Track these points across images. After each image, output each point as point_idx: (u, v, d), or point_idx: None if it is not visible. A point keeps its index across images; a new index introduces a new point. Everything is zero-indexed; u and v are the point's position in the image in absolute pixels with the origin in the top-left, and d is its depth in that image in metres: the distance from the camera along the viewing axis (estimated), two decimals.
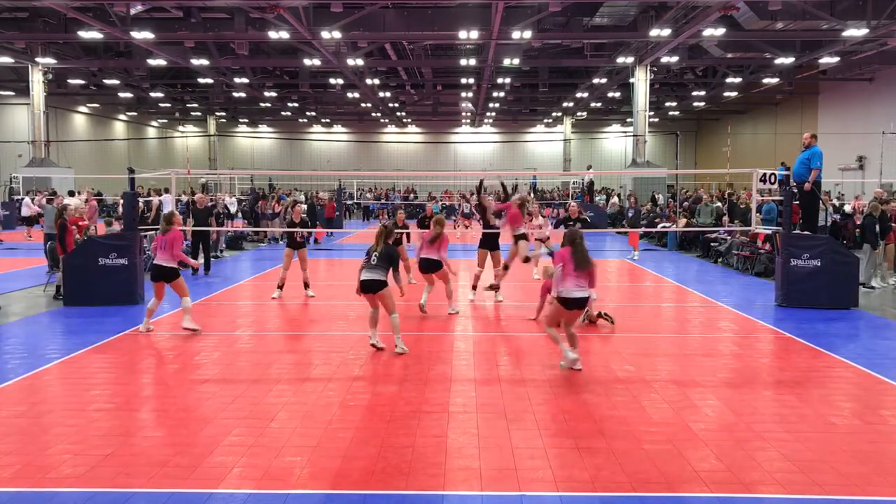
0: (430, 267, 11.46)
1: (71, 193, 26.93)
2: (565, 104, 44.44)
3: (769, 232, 15.70)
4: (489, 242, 12.58)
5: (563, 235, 8.37)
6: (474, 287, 12.76)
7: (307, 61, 28.17)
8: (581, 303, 8.16)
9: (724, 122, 42.99)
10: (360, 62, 28.37)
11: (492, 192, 14.87)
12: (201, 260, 16.41)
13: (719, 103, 43.58)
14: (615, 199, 35.69)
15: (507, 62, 28.19)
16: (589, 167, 38.87)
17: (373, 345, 9.00)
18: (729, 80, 34.35)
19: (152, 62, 28.90)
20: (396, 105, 46.34)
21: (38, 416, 6.59)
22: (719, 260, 18.41)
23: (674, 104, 44.16)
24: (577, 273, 7.96)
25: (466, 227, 28.76)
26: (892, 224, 14.78)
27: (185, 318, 10.12)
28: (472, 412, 6.72)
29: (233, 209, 24.76)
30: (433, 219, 11.99)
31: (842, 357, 8.78)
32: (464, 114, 49.11)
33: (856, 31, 21.92)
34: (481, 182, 13.48)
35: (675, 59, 27.69)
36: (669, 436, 6.12)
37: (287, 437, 6.06)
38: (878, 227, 14.19)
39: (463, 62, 29.45)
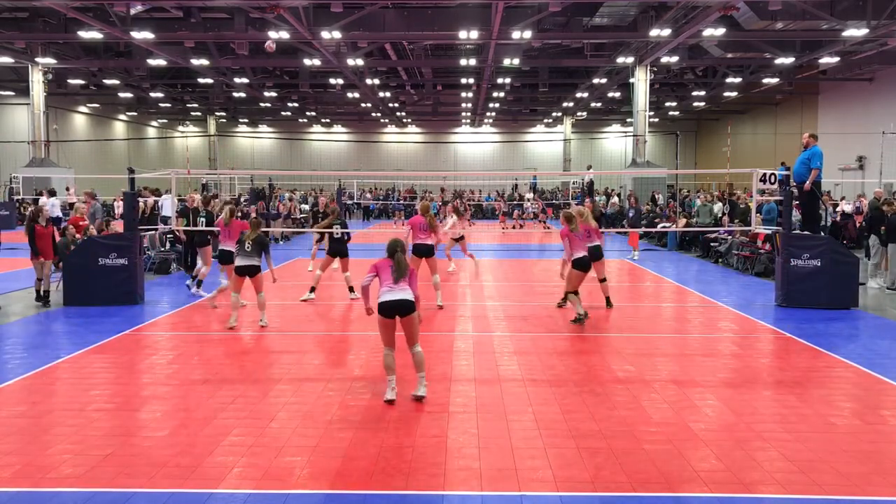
0: (423, 252, 11.90)
1: (52, 193, 26.85)
2: (565, 104, 44.42)
3: (769, 232, 15.70)
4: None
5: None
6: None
7: (307, 61, 28.15)
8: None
9: (724, 122, 42.98)
10: (360, 62, 28.35)
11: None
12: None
13: (719, 103, 43.55)
14: (615, 199, 35.69)
15: (507, 62, 28.17)
16: (589, 167, 38.86)
17: (232, 325, 10.19)
18: (729, 80, 34.33)
19: (152, 62, 28.87)
20: (396, 105, 46.32)
21: (38, 416, 6.59)
22: (719, 260, 18.42)
23: (674, 104, 44.13)
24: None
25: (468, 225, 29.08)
26: None
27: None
28: (472, 412, 6.72)
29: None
30: (422, 206, 12.53)
31: (842, 357, 8.78)
32: (463, 113, 49.09)
33: (856, 31, 21.90)
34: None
35: (675, 59, 27.67)
36: (669, 436, 6.12)
37: (287, 437, 6.06)
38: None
39: (463, 62, 29.43)
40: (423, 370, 7.13)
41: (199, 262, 13.56)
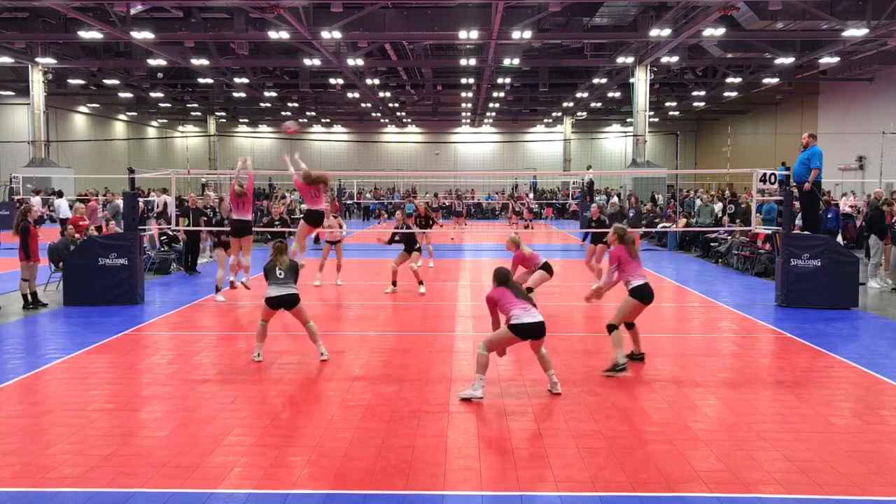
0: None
1: (60, 194, 26.80)
2: (565, 104, 44.44)
3: (769, 232, 15.70)
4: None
5: (493, 276, 7.36)
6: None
7: (307, 61, 28.17)
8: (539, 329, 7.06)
9: (724, 122, 42.98)
10: (360, 62, 28.36)
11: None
12: (202, 259, 16.49)
13: (719, 103, 43.57)
14: (615, 199, 35.69)
15: (507, 62, 28.19)
16: (589, 167, 38.87)
17: (256, 360, 8.49)
18: (729, 80, 34.35)
19: (152, 62, 28.89)
20: (396, 105, 46.35)
21: (38, 416, 6.59)
22: (719, 260, 18.41)
23: (674, 104, 44.15)
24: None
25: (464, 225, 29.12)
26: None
27: (244, 276, 12.34)
28: (472, 412, 6.72)
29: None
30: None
31: (842, 357, 8.78)
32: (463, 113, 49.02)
33: (856, 31, 21.91)
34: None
35: (675, 59, 27.68)
36: (669, 436, 6.12)
37: (287, 437, 6.07)
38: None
39: (463, 62, 29.45)
40: (551, 367, 7.32)
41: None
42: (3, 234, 24.43)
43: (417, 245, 13.67)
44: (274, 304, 8.45)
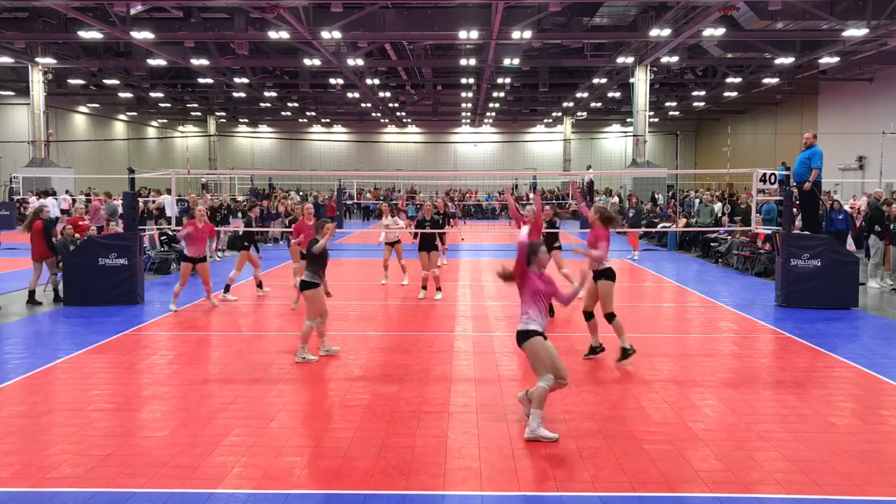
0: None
1: (52, 193, 26.83)
2: (565, 104, 44.44)
3: (769, 232, 15.70)
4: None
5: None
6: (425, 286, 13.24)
7: (307, 61, 28.18)
8: None
9: (724, 122, 42.96)
10: (360, 62, 28.37)
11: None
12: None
13: (719, 103, 43.57)
14: (615, 199, 35.70)
15: (507, 62, 28.21)
16: (589, 167, 38.87)
17: (327, 352, 8.75)
18: (729, 80, 34.35)
19: (152, 62, 28.90)
20: (396, 105, 46.35)
21: (38, 416, 6.59)
22: (719, 260, 18.42)
23: (674, 104, 44.15)
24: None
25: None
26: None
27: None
28: (472, 412, 6.72)
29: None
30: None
31: (842, 357, 8.78)
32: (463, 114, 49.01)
33: (856, 31, 21.92)
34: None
35: (675, 59, 27.69)
36: (669, 436, 6.12)
37: (287, 437, 6.07)
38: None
39: (463, 62, 29.46)
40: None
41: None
42: (3, 235, 24.45)
43: (436, 242, 13.36)
44: None
